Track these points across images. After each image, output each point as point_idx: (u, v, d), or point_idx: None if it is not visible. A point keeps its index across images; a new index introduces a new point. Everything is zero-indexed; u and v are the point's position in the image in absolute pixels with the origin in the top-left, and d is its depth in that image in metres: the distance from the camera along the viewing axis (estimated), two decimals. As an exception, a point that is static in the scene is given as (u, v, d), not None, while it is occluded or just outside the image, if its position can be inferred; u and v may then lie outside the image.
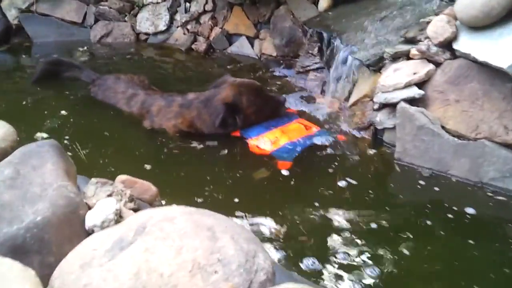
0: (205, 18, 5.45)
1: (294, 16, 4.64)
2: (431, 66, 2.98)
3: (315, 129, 3.36)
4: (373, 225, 2.45)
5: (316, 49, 4.17)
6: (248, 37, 5.13)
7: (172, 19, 5.70)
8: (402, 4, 3.91)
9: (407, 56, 3.19)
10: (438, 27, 2.93)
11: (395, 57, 3.25)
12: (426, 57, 3.02)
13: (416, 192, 2.77)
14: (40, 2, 5.99)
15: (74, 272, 1.58)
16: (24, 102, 4.00)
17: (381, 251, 2.26)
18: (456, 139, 2.78)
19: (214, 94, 3.35)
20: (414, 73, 2.99)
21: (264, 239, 2.32)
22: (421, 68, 3.00)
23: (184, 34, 5.53)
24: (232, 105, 3.26)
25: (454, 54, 2.94)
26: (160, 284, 1.47)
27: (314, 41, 4.20)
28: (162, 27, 5.68)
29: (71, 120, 3.59)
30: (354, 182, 2.82)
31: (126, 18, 5.85)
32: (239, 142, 3.29)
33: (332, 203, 2.63)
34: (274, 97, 3.53)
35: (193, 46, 5.37)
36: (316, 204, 2.62)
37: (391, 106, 3.10)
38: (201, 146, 3.25)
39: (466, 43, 2.80)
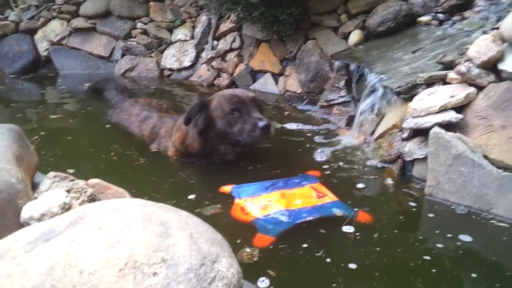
0: (231, 55, 5.30)
1: (322, 50, 4.37)
2: (471, 89, 2.56)
3: (328, 199, 2.43)
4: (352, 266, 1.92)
5: (342, 82, 3.83)
6: (273, 74, 4.90)
7: (198, 56, 5.61)
8: (439, 37, 3.57)
9: (443, 81, 2.80)
10: (481, 46, 2.55)
11: (430, 82, 2.85)
12: (466, 80, 2.61)
13: (447, 238, 2.16)
14: (72, 36, 6.08)
15: (-20, 266, 1.20)
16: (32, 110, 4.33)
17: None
18: (501, 171, 2.27)
19: None
20: (452, 96, 2.57)
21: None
22: (460, 91, 2.58)
23: (208, 70, 5.37)
24: (202, 102, 2.95)
25: (499, 77, 2.53)
26: (76, 283, 1.07)
27: (340, 74, 3.88)
28: (187, 63, 5.58)
29: (53, 122, 3.73)
30: (365, 224, 2.24)
31: (152, 54, 5.80)
32: (222, 199, 2.54)
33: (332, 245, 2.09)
34: (252, 117, 2.81)
35: (215, 82, 5.18)
36: (305, 245, 2.06)
37: (423, 135, 2.66)
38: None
39: (515, 64, 2.40)
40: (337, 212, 2.30)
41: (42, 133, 3.56)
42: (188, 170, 2.95)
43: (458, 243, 2.11)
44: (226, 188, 2.59)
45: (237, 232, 2.15)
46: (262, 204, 2.37)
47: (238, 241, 2.05)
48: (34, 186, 1.78)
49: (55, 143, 3.38)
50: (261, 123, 2.75)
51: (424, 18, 3.96)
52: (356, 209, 2.35)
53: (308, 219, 2.22)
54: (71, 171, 2.74)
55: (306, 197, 2.44)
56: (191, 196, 2.55)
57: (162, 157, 3.15)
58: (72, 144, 3.44)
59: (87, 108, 4.25)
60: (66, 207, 1.54)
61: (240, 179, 2.72)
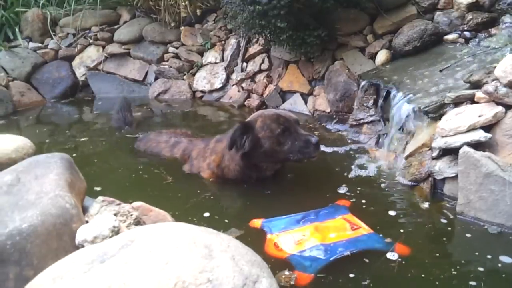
0: (260, 77, 5.43)
1: (350, 70, 4.45)
2: (500, 108, 2.59)
3: (364, 231, 2.36)
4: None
5: (371, 102, 3.89)
6: (302, 94, 4.98)
7: (228, 78, 5.77)
8: (466, 55, 3.61)
9: (471, 100, 2.84)
10: (507, 65, 2.59)
11: (458, 102, 2.90)
12: (493, 99, 2.65)
13: (487, 260, 2.15)
14: (107, 61, 6.35)
15: (44, 285, 1.34)
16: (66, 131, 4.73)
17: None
18: (533, 189, 2.30)
19: None
20: (480, 116, 2.61)
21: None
22: (488, 110, 2.62)
23: (239, 91, 5.52)
24: (245, 124, 2.95)
25: (528, 96, 2.55)
26: (131, 302, 1.17)
27: (369, 93, 3.95)
28: (217, 85, 5.74)
29: (84, 144, 4.05)
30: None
31: (184, 77, 5.99)
32: (254, 234, 2.47)
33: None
34: (302, 134, 2.90)
35: (245, 103, 5.32)
36: (351, 275, 2.05)
37: (453, 154, 2.70)
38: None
39: (542, 83, 2.43)
40: (377, 247, 2.25)
41: (74, 154, 3.71)
42: (215, 191, 3.04)
43: (499, 265, 2.12)
44: (257, 223, 2.53)
45: (265, 256, 2.16)
46: (296, 239, 2.30)
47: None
48: (84, 210, 1.93)
49: (86, 164, 3.56)
50: (314, 139, 2.86)
51: (450, 36, 3.99)
52: (394, 242, 2.30)
53: (345, 253, 2.17)
54: (98, 189, 2.92)
55: (340, 229, 2.38)
56: (210, 216, 2.64)
57: (191, 176, 3.25)
58: (103, 164, 3.65)
59: (117, 132, 4.46)
60: (116, 230, 1.67)
61: (266, 204, 2.83)
